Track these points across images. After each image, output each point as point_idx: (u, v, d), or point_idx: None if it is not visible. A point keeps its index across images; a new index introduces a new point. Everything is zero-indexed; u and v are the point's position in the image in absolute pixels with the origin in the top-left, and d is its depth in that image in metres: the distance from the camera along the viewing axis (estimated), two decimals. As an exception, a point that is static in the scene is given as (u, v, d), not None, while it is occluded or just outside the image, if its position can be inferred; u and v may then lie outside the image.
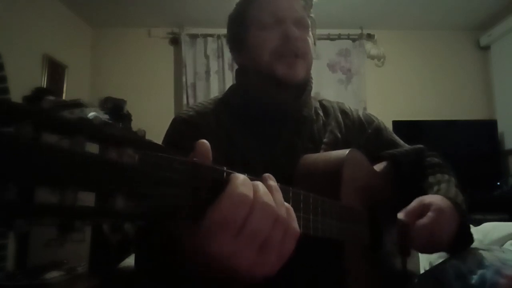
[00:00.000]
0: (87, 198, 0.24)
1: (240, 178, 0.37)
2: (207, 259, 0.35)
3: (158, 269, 0.59)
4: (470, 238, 0.79)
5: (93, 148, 0.25)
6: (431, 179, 0.89)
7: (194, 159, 0.35)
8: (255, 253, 0.36)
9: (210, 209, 0.34)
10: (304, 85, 0.87)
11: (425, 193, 0.84)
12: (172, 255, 0.52)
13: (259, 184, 0.39)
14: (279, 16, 0.82)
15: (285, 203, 0.41)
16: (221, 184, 0.36)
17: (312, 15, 0.90)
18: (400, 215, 0.74)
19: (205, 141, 0.38)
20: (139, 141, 0.28)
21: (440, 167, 0.92)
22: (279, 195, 0.40)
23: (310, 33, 0.87)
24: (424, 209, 0.73)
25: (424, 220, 0.71)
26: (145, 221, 0.29)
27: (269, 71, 0.81)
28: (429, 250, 0.77)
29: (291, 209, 0.41)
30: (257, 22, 0.83)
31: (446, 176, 0.89)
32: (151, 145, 0.30)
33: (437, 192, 0.81)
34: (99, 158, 0.25)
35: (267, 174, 0.41)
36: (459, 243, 0.74)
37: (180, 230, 0.40)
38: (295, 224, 0.40)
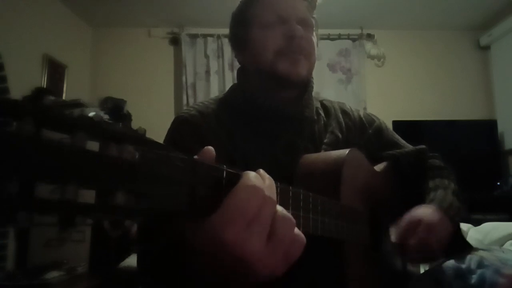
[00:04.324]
0: (88, 194, 0.24)
1: (252, 172, 0.39)
2: (219, 249, 0.36)
3: (161, 269, 0.59)
4: (466, 246, 0.79)
5: (93, 145, 0.25)
6: (430, 183, 0.88)
7: (195, 157, 0.36)
8: (264, 243, 0.37)
9: (226, 199, 0.36)
10: (305, 86, 0.87)
11: (423, 196, 0.85)
12: (175, 254, 0.52)
13: (266, 177, 0.41)
14: (283, 15, 0.81)
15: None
16: (220, 182, 0.37)
17: (314, 16, 0.89)
18: (392, 236, 0.75)
19: (211, 147, 0.39)
20: (139, 139, 0.28)
21: (441, 171, 0.92)
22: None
23: (314, 33, 0.87)
24: (414, 225, 0.73)
25: (414, 240, 0.71)
26: (145, 218, 0.29)
27: (271, 70, 0.80)
28: (424, 262, 0.79)
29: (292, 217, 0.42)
30: (260, 21, 0.82)
31: (446, 182, 0.88)
32: (151, 143, 0.30)
33: (431, 201, 0.81)
34: (99, 155, 0.25)
35: (261, 171, 0.42)
36: (454, 252, 0.75)
37: (187, 226, 0.40)
38: (298, 230, 0.41)
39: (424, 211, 0.76)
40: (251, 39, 0.84)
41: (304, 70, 0.81)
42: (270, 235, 0.38)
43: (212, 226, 0.35)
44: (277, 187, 0.42)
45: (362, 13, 3.15)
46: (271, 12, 0.82)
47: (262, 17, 0.82)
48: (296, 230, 0.41)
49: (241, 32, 0.87)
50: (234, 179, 0.37)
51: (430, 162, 0.95)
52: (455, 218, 0.77)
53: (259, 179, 0.38)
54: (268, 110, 0.82)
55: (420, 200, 0.82)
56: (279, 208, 0.39)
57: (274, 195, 0.39)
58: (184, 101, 3.18)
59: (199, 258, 0.40)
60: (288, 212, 0.41)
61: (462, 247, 0.79)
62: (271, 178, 0.41)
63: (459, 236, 0.78)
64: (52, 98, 2.35)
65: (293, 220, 0.40)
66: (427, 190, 0.87)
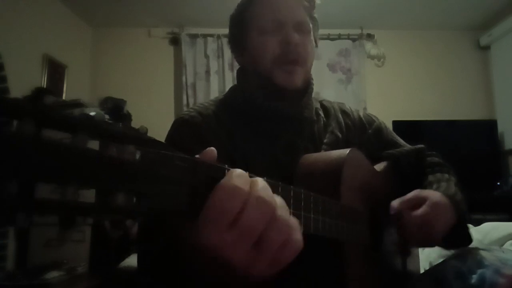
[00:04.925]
0: (88, 194, 0.24)
1: (237, 171, 0.37)
2: (205, 252, 0.35)
3: (161, 269, 0.59)
4: (468, 237, 0.79)
5: (94, 144, 0.25)
6: (431, 178, 0.89)
7: (196, 156, 0.35)
8: (249, 249, 0.35)
9: (207, 200, 0.34)
10: (305, 87, 0.87)
11: None
12: (175, 253, 0.52)
13: (259, 179, 0.38)
14: (279, 20, 0.81)
15: (292, 217, 0.39)
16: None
17: (315, 15, 0.89)
18: (395, 203, 0.74)
19: (213, 148, 0.39)
20: (140, 138, 0.28)
21: (441, 167, 0.92)
22: (282, 200, 0.39)
23: (311, 38, 0.87)
24: (420, 201, 0.73)
25: (418, 212, 0.71)
26: (146, 218, 0.29)
27: (268, 77, 0.81)
28: (421, 243, 0.78)
29: (297, 222, 0.40)
30: (257, 26, 0.83)
31: (446, 175, 0.89)
32: (153, 142, 0.30)
33: (436, 190, 0.81)
34: (100, 154, 0.25)
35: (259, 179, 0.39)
36: (454, 241, 0.74)
37: (184, 226, 0.40)
38: (297, 235, 0.39)
39: (431, 192, 0.76)
40: (249, 43, 0.85)
41: (300, 79, 0.82)
42: (258, 240, 0.36)
43: (195, 230, 0.34)
44: (278, 187, 0.42)
45: (362, 13, 3.15)
46: (268, 16, 0.82)
47: (260, 21, 0.83)
48: (294, 235, 0.38)
49: (240, 35, 0.87)
50: None
51: (429, 160, 0.95)
52: (460, 206, 0.77)
53: (241, 179, 0.36)
54: (267, 110, 0.82)
55: None
56: (278, 212, 0.37)
57: (267, 197, 0.36)
58: (184, 101, 3.18)
59: (199, 258, 0.40)
60: (290, 211, 0.40)
61: (464, 239, 0.79)
62: (263, 180, 0.38)
63: (463, 228, 0.78)
64: (52, 98, 2.35)
65: (287, 225, 0.37)
66: (429, 183, 0.86)
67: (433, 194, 0.75)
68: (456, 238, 0.75)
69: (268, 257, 0.36)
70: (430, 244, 0.77)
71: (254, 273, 0.37)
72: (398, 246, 0.83)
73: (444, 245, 0.76)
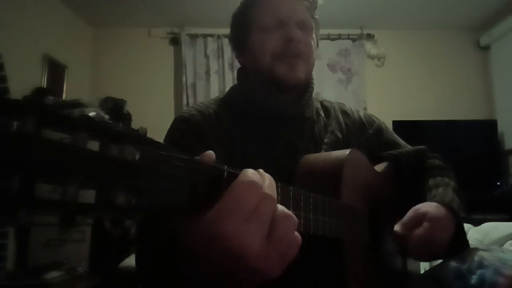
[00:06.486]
0: (88, 194, 0.24)
1: (250, 170, 0.40)
2: (217, 245, 0.36)
3: (159, 268, 0.59)
4: (465, 244, 0.79)
5: (94, 145, 0.25)
6: (430, 182, 0.89)
7: (195, 157, 0.36)
8: (263, 238, 0.38)
9: (224, 194, 0.37)
10: (306, 86, 0.87)
11: (424, 196, 0.85)
12: (174, 253, 0.52)
13: (266, 176, 0.41)
14: (281, 19, 0.81)
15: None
16: (220, 181, 0.37)
17: (316, 16, 0.89)
18: (397, 227, 0.74)
19: (211, 152, 0.40)
20: (140, 139, 0.28)
21: (441, 170, 0.92)
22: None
23: (313, 35, 0.86)
24: (419, 218, 0.73)
25: (419, 231, 0.72)
26: (145, 217, 0.29)
27: (270, 72, 0.81)
28: (426, 259, 0.79)
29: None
30: (259, 24, 0.82)
31: (446, 180, 0.88)
32: (152, 142, 0.30)
33: (433, 198, 0.82)
34: (99, 155, 0.25)
35: (261, 170, 0.42)
36: (455, 249, 0.75)
37: (185, 225, 0.40)
38: (296, 233, 0.41)
39: (429, 206, 0.76)
40: (250, 42, 0.84)
41: (303, 73, 0.81)
42: (270, 233, 0.38)
43: (210, 221, 0.36)
44: (277, 187, 0.42)
45: (362, 13, 3.15)
46: (270, 15, 0.81)
47: (261, 21, 0.82)
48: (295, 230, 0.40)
49: (241, 35, 0.87)
50: (235, 178, 0.37)
51: (430, 162, 0.95)
52: (457, 214, 0.77)
53: (257, 176, 0.39)
54: (268, 110, 0.82)
55: (421, 199, 0.82)
56: (280, 207, 0.39)
57: (274, 193, 0.39)
58: (184, 101, 3.18)
59: (198, 259, 0.40)
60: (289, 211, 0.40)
61: (463, 246, 0.79)
62: (271, 177, 0.41)
63: (462, 234, 0.78)
64: (52, 98, 2.34)
65: (295, 220, 0.40)
66: (428, 188, 0.87)
67: (430, 208, 0.75)
68: (455, 245, 0.75)
69: (280, 250, 0.39)
70: (434, 258, 0.77)
71: (263, 267, 0.38)
72: (399, 249, 0.83)
73: (445, 256, 0.77)
